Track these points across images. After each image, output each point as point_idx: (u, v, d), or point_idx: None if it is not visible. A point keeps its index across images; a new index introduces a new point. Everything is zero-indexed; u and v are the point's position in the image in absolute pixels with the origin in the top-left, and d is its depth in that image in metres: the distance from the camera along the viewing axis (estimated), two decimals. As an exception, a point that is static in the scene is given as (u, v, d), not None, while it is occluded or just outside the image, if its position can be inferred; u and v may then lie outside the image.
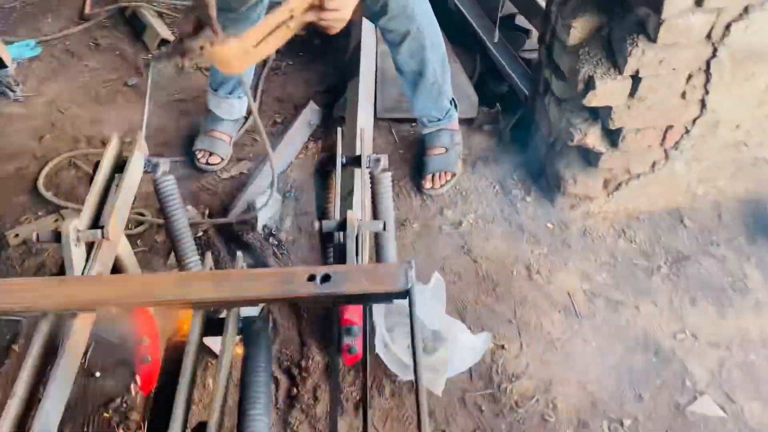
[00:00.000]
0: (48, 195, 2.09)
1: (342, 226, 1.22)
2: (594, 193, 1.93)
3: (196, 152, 2.18)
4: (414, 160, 2.17)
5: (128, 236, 1.94)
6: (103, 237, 1.24)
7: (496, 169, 2.13)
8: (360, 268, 1.09)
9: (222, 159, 2.18)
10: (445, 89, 2.08)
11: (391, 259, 1.54)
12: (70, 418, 1.56)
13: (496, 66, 2.35)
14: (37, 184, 2.15)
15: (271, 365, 1.12)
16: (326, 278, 1.06)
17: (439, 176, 2.08)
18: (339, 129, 1.45)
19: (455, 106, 2.15)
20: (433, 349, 1.69)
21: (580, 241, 1.92)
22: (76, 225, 1.20)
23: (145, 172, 1.50)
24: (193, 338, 1.14)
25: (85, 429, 1.56)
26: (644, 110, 1.69)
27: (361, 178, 1.49)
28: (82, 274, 1.15)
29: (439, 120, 2.11)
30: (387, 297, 1.05)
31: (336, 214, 1.40)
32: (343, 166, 1.52)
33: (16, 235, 1.98)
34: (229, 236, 1.95)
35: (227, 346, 1.12)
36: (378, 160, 1.52)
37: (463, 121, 2.22)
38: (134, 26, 2.84)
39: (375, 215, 1.62)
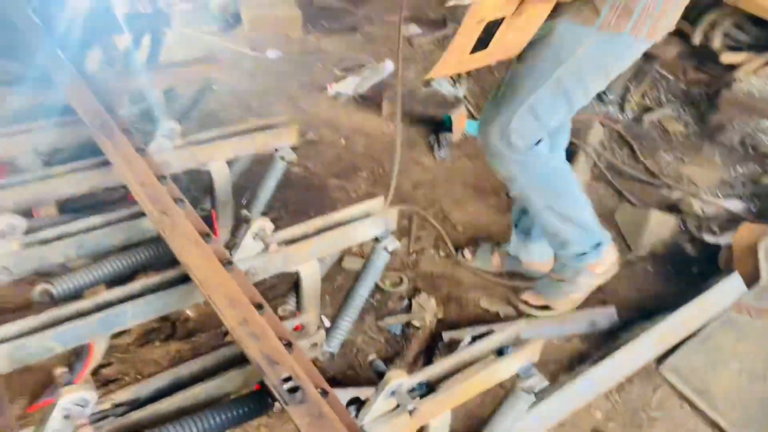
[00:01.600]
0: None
1: (381, 375, 1.17)
2: None
3: None
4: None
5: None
6: (266, 247, 1.47)
7: None
8: (327, 417, 1.04)
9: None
10: (580, 238, 1.98)
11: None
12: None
13: None
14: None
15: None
16: (294, 390, 1.07)
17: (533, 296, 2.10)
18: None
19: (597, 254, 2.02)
20: None
21: None
22: (263, 225, 1.47)
23: (375, 238, 1.70)
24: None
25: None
26: None
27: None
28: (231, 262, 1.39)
29: (566, 265, 2.05)
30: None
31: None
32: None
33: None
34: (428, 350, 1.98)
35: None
36: (531, 376, 1.36)
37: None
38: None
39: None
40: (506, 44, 1.70)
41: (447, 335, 2.00)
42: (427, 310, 2.08)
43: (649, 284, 2.33)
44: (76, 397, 1.05)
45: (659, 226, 2.49)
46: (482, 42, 1.64)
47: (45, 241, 1.45)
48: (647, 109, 3.44)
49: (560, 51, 1.68)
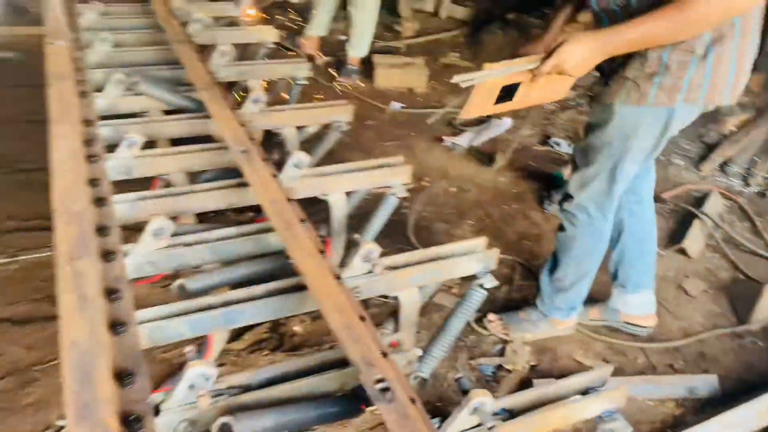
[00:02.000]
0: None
1: (466, 393, 1.25)
2: None
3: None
4: None
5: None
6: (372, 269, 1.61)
7: None
8: (412, 418, 1.13)
9: None
10: (572, 296, 2.20)
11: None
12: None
13: None
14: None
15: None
16: (386, 390, 1.18)
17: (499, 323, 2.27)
18: None
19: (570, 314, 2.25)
20: None
21: None
22: (372, 248, 1.61)
23: (468, 276, 1.79)
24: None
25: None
26: None
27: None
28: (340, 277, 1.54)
29: (543, 303, 2.24)
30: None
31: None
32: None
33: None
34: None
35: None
36: (614, 420, 1.39)
37: None
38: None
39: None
40: (534, 97, 1.87)
41: (537, 383, 2.02)
42: (521, 357, 2.12)
43: (757, 359, 2.23)
44: (201, 371, 1.22)
45: (775, 302, 2.39)
46: (508, 93, 1.81)
47: (187, 244, 1.68)
48: (774, 184, 3.32)
49: (624, 130, 1.82)
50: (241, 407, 1.26)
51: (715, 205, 3.05)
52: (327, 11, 4.16)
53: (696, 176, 3.34)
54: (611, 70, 1.77)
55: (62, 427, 1.84)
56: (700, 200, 3.10)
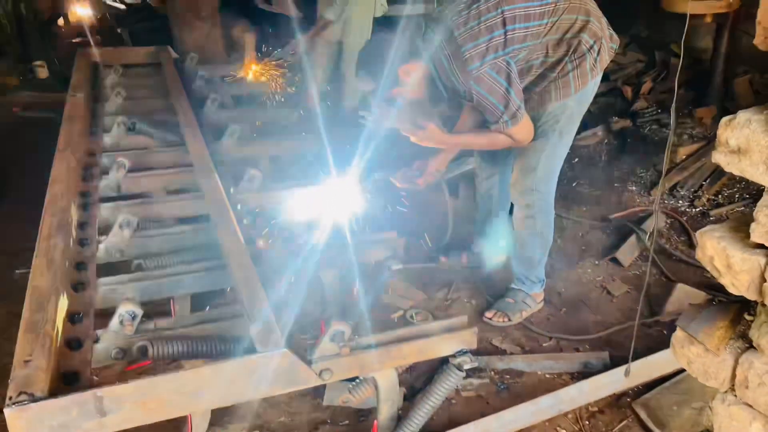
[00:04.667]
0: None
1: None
2: None
3: None
4: None
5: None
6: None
7: None
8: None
9: None
10: (540, 269, 2.69)
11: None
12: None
13: None
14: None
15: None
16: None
17: (498, 315, 2.65)
18: None
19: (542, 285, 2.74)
20: None
21: None
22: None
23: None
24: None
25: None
26: None
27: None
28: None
29: (523, 284, 2.68)
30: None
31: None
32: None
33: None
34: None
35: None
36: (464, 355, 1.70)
37: None
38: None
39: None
40: None
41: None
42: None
43: (658, 343, 2.47)
44: (130, 309, 1.62)
45: (686, 298, 2.64)
46: None
47: (149, 236, 2.12)
48: (718, 205, 3.56)
49: (558, 118, 2.39)
50: (156, 337, 1.65)
51: (654, 223, 3.33)
52: (322, 70, 4.73)
53: (647, 200, 3.62)
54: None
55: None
56: (644, 219, 3.37)
